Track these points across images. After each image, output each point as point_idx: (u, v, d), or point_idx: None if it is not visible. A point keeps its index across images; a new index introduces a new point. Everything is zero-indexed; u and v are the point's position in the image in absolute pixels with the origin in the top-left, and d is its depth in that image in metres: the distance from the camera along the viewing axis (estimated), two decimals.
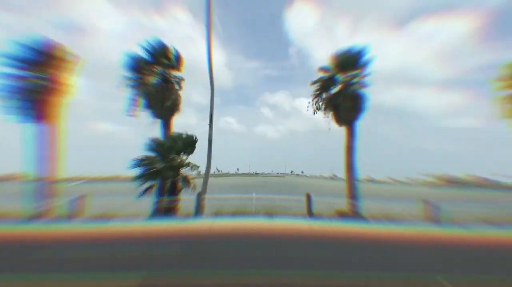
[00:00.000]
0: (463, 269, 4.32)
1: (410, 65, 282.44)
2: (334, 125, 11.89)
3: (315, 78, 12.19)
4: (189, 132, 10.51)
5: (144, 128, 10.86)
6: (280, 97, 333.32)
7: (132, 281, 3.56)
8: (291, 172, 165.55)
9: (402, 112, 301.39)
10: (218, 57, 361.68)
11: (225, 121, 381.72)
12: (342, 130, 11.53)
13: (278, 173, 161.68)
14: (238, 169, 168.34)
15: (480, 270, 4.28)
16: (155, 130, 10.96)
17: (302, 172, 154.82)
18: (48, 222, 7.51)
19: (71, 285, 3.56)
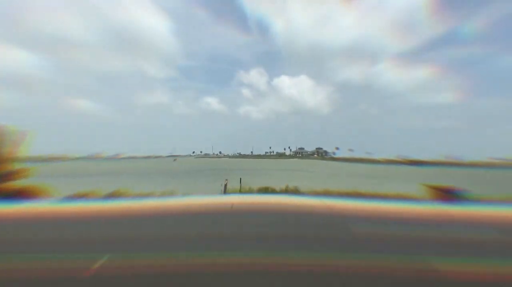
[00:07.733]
0: None
1: (367, 38, 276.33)
2: None
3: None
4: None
5: None
6: (254, 75, 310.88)
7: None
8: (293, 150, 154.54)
9: (371, 89, 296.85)
10: (165, 23, 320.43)
11: (205, 102, 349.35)
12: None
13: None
14: (239, 152, 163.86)
15: None
16: None
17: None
18: None
19: None
